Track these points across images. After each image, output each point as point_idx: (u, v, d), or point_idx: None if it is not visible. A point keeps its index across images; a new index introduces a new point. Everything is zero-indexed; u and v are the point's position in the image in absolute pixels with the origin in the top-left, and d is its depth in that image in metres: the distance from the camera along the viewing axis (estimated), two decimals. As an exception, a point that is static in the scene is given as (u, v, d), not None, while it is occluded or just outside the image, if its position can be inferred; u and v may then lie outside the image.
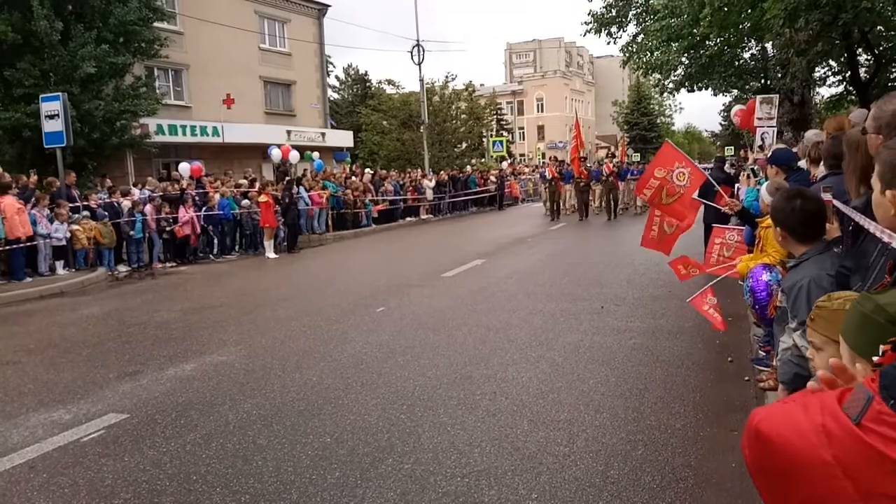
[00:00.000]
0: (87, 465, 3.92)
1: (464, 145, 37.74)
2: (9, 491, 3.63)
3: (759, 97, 13.54)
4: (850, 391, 1.07)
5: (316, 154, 22.77)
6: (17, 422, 4.68)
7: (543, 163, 32.99)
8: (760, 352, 5.31)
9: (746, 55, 22.13)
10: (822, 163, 4.03)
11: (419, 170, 27.89)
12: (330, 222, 18.60)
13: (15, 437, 4.40)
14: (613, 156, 23.13)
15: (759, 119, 13.00)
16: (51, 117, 12.79)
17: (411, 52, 30.77)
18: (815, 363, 1.68)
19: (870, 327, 1.20)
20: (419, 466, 3.72)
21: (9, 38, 15.19)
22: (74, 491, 3.59)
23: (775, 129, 12.80)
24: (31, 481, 3.73)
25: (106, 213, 12.60)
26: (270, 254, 14.50)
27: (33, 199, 11.74)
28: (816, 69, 19.81)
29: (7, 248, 10.87)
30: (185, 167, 17.01)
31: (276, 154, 19.77)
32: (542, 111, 73.00)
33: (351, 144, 32.16)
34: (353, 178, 21.69)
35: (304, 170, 20.84)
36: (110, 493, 3.56)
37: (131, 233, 12.80)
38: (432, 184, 24.77)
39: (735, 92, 26.35)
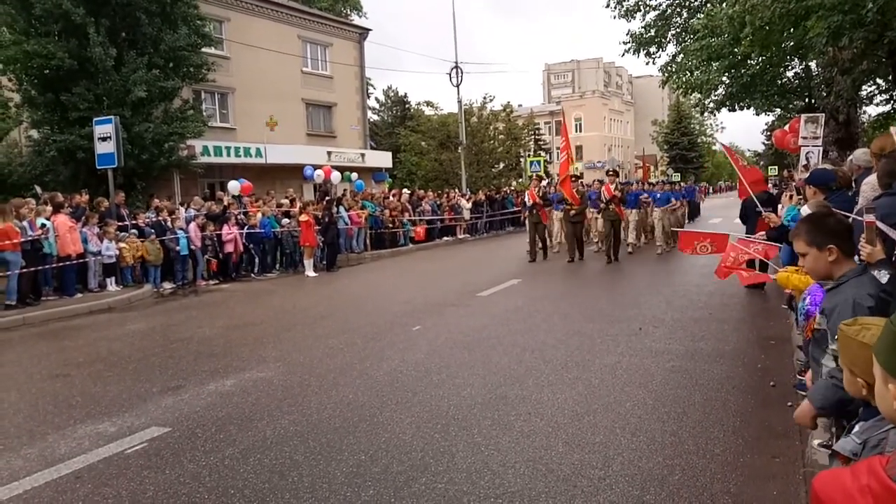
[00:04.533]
0: (130, 476, 4.03)
1: (501, 165, 37.89)
2: (55, 500, 3.75)
3: (803, 116, 13.29)
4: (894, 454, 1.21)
5: (355, 175, 23.14)
6: (66, 433, 4.85)
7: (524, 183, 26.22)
8: (800, 377, 5.17)
9: (790, 74, 21.70)
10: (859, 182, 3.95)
11: (457, 190, 28.06)
12: (368, 241, 18.82)
13: (63, 447, 4.55)
14: (616, 174, 16.17)
15: (804, 138, 12.73)
16: (103, 139, 13.31)
17: (450, 74, 31.20)
18: (844, 381, 1.66)
19: None
20: (453, 486, 3.72)
21: (65, 65, 15.90)
22: (117, 502, 3.70)
23: (820, 149, 12.52)
24: (76, 491, 3.86)
25: (153, 231, 12.99)
26: (310, 272, 14.73)
27: (84, 218, 12.19)
28: (862, 87, 19.32)
29: (59, 264, 11.30)
30: (234, 185, 17.51)
31: (317, 174, 20.18)
32: (580, 131, 72.81)
33: (390, 165, 32.59)
34: (392, 198, 21.95)
35: (344, 190, 21.20)
36: (151, 504, 3.65)
37: (177, 248, 13.16)
38: (469, 204, 24.89)
39: (778, 111, 25.85)
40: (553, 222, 16.86)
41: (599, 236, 16.50)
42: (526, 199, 16.21)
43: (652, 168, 68.87)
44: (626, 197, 15.80)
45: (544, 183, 18.55)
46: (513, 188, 31.59)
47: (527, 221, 16.11)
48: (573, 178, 15.25)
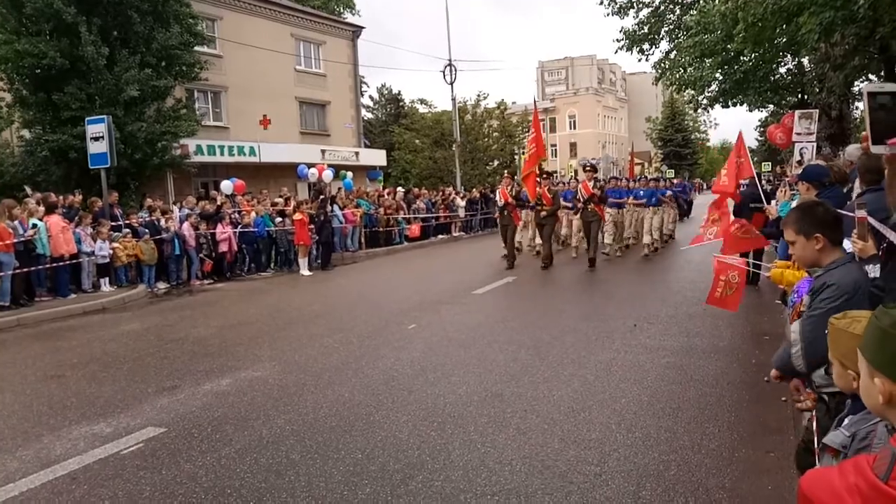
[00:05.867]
0: (126, 477, 4.02)
1: (496, 163, 37.90)
2: (51, 502, 3.74)
3: (797, 112, 13.36)
4: (882, 453, 1.21)
5: (350, 174, 23.11)
6: (61, 434, 4.83)
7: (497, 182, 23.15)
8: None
9: (782, 70, 21.80)
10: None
11: (451, 187, 28.04)
12: (363, 240, 18.81)
13: (58, 448, 4.54)
14: (594, 170, 14.25)
15: (798, 134, 12.81)
16: (96, 139, 13.24)
17: (444, 72, 31.19)
18: (833, 376, 1.68)
19: (888, 343, 1.21)
20: (449, 484, 3.73)
21: (57, 64, 15.81)
22: (114, 503, 3.69)
23: (814, 145, 12.59)
24: (72, 493, 3.85)
25: (147, 231, 12.95)
26: (304, 271, 14.71)
27: (77, 218, 12.14)
28: (855, 83, 19.43)
29: (52, 265, 11.25)
30: (227, 184, 17.47)
31: (311, 173, 20.14)
32: (574, 128, 72.93)
33: (384, 163, 32.55)
34: (386, 196, 21.94)
35: (339, 188, 21.18)
36: (148, 505, 3.65)
37: (175, 242, 13.10)
38: (464, 202, 24.88)
39: (771, 107, 25.95)
40: (526, 224, 15.42)
41: (577, 240, 14.73)
42: (497, 199, 14.53)
43: (645, 164, 68.96)
44: (606, 195, 14.03)
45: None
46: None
47: (498, 223, 14.55)
48: (544, 176, 13.75)
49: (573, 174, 28.26)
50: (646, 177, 17.69)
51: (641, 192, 15.17)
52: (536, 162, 13.36)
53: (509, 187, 14.07)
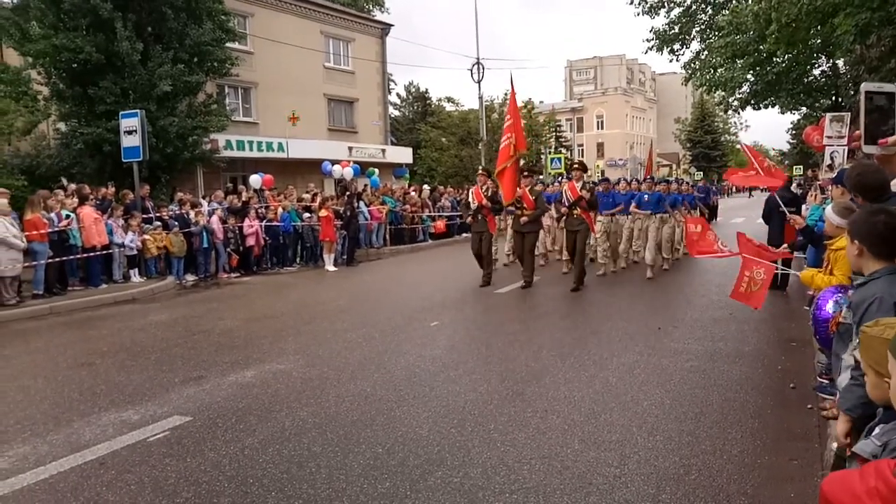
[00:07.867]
0: (152, 463, 4.12)
1: (521, 162, 37.83)
2: (80, 486, 3.84)
3: (828, 115, 13.08)
4: None
5: (376, 171, 23.23)
6: (90, 420, 4.96)
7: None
8: (820, 380, 5.11)
9: (816, 72, 21.37)
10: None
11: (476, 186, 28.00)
12: (388, 237, 18.90)
13: (87, 434, 4.66)
14: (583, 168, 11.62)
15: (829, 138, 12.53)
16: (129, 133, 13.48)
17: (471, 70, 31.16)
18: (867, 387, 1.66)
19: None
20: (468, 481, 3.75)
21: (93, 59, 16.14)
22: (140, 488, 3.78)
23: (845, 149, 12.33)
24: (100, 477, 3.95)
25: (176, 224, 13.18)
26: (330, 266, 14.84)
27: (109, 210, 12.40)
28: (892, 87, 18.97)
29: (84, 255, 11.51)
30: (256, 178, 17.70)
31: (336, 169, 20.30)
32: (601, 128, 72.35)
33: (410, 161, 32.64)
34: (412, 193, 22.01)
35: (365, 185, 21.31)
36: (173, 491, 3.73)
37: (203, 235, 13.32)
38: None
39: (804, 110, 25.44)
40: (504, 231, 13.54)
41: (561, 250, 12.57)
42: (470, 200, 11.79)
43: (673, 166, 68.10)
44: (597, 199, 11.43)
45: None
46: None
47: (471, 229, 12.07)
48: (524, 174, 11.18)
49: (600, 175, 28.07)
50: (652, 177, 14.39)
51: (646, 197, 12.48)
52: (509, 155, 10.99)
53: (484, 186, 11.66)
